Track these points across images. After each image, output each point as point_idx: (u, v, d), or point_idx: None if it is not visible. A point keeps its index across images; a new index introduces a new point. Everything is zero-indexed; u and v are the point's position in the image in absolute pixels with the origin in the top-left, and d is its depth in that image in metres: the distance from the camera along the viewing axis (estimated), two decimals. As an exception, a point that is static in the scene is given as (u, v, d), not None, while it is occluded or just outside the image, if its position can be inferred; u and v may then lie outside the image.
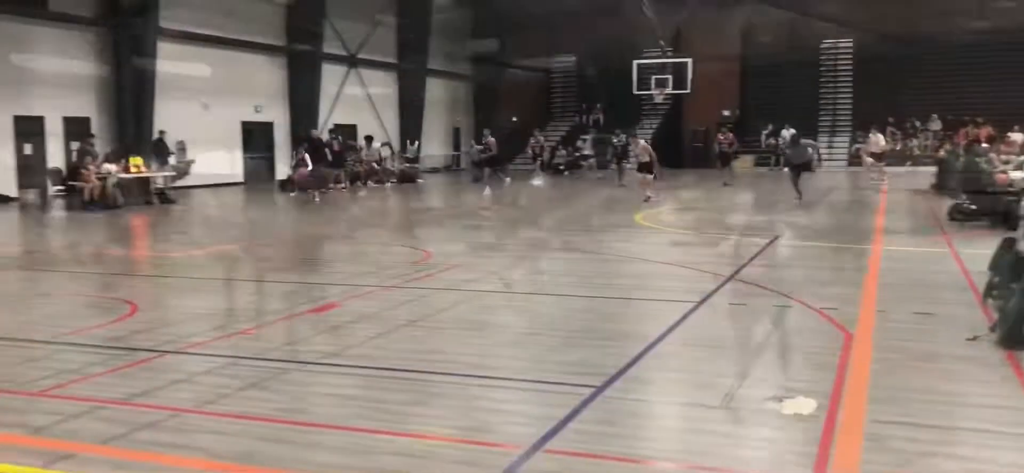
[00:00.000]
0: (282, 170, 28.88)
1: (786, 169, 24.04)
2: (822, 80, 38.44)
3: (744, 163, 35.31)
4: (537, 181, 27.93)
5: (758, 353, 6.26)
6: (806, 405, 4.87)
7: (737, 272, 9.77)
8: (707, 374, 5.70)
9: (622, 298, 8.71)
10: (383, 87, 36.11)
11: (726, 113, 37.60)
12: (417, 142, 35.24)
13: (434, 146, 39.79)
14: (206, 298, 8.75)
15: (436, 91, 39.38)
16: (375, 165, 29.68)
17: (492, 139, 29.48)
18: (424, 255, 11.71)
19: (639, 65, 36.47)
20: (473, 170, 32.38)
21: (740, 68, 39.06)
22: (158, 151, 24.85)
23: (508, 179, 28.73)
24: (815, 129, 35.49)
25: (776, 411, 4.82)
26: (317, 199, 22.32)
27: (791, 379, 5.49)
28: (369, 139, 30.45)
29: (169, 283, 10.01)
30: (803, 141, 21.66)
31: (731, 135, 28.52)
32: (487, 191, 24.87)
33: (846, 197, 21.91)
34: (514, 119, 39.87)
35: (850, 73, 38.10)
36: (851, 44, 37.66)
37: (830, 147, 36.01)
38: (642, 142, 22.35)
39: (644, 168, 20.79)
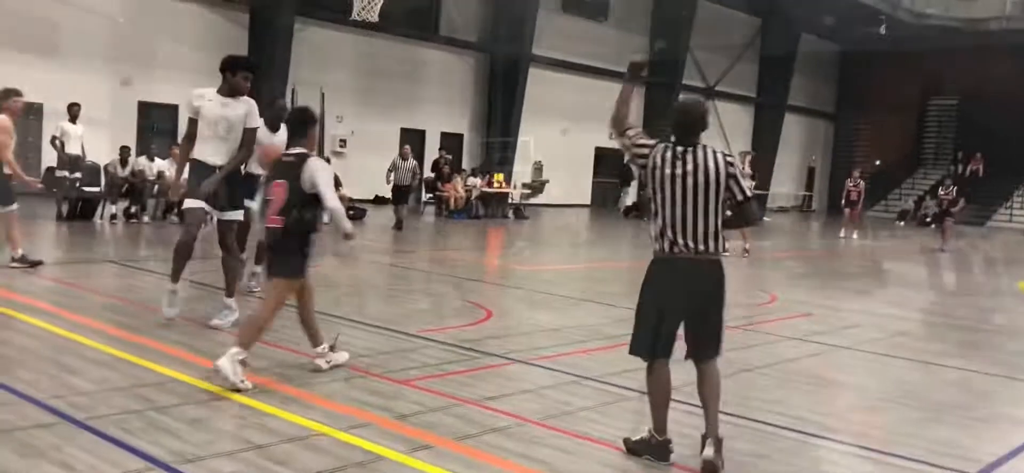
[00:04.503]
0: (628, 196, 29.66)
1: None
2: None
3: None
4: (844, 234, 23.35)
5: None
6: None
7: None
8: (1114, 484, 4.79)
9: (1005, 376, 7.62)
10: (738, 119, 35.40)
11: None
12: None
13: (786, 185, 38.32)
14: (551, 313, 9.10)
15: (793, 128, 37.93)
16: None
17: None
18: (769, 299, 11.23)
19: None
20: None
21: None
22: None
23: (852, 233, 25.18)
24: None
25: None
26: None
27: None
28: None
29: (519, 295, 10.57)
30: None
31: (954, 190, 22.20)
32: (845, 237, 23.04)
33: None
34: (878, 163, 37.17)
35: None
36: None
37: None
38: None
39: None
